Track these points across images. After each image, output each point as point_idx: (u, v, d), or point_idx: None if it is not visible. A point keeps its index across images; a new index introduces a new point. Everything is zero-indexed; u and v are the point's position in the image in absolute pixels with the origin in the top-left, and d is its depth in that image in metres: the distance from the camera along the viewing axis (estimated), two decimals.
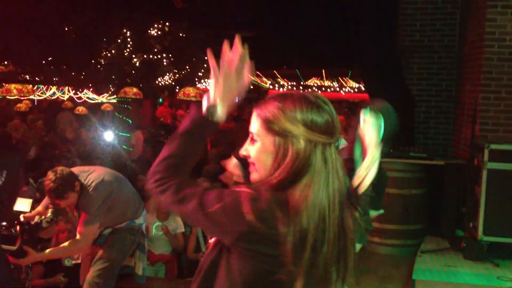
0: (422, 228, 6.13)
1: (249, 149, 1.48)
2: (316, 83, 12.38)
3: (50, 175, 3.63)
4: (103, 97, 14.59)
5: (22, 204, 3.83)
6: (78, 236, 3.72)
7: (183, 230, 6.14)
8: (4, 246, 3.56)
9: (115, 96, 13.12)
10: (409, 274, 4.86)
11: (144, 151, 11.25)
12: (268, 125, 1.42)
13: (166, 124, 15.47)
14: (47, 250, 3.85)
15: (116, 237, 4.04)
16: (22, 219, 3.76)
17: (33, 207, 4.02)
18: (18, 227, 3.63)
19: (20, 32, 11.32)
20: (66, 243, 3.76)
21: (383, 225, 6.08)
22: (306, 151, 1.39)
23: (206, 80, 14.71)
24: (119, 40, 12.14)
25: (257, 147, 1.45)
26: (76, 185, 3.67)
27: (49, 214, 3.89)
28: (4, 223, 3.61)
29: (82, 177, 3.77)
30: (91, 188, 3.73)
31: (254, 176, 1.48)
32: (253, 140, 1.47)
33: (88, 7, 11.40)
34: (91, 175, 3.81)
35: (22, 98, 13.75)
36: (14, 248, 3.54)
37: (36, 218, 3.83)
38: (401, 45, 7.28)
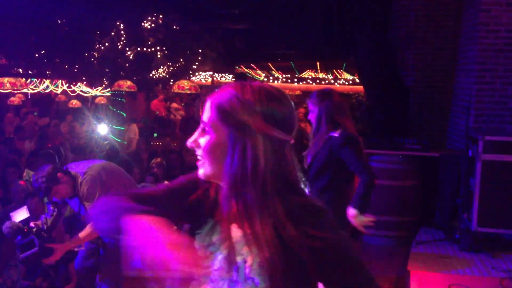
0: (416, 220, 6.13)
1: (199, 141, 1.33)
2: (311, 75, 12.35)
3: (34, 177, 3.81)
4: (97, 90, 14.51)
5: (20, 214, 3.81)
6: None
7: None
8: (26, 253, 3.56)
9: (109, 89, 13.07)
10: (404, 265, 4.86)
11: (138, 144, 11.21)
12: (224, 115, 1.27)
13: (160, 117, 15.42)
14: (72, 239, 3.90)
15: None
16: (32, 224, 3.75)
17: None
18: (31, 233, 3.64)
19: (13, 25, 11.24)
20: (87, 228, 3.81)
21: (378, 216, 6.07)
22: (266, 148, 1.25)
23: (200, 73, 14.67)
24: (112, 33, 12.06)
25: (209, 139, 1.31)
26: (60, 177, 3.78)
27: (46, 210, 3.96)
28: (19, 237, 3.62)
29: (71, 169, 3.91)
30: (81, 174, 3.86)
31: (205, 170, 1.33)
32: (204, 131, 1.32)
33: (81, 0, 11.32)
34: (81, 165, 3.98)
35: (15, 91, 13.67)
36: (35, 249, 3.55)
37: (43, 218, 3.88)
38: (396, 36, 7.26)
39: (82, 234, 3.82)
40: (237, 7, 11.34)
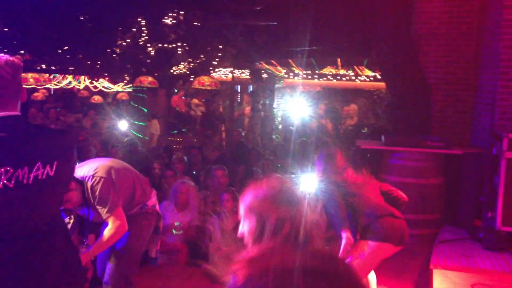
0: (439, 218, 6.09)
1: (243, 227, 1.99)
2: (331, 71, 12.29)
3: None
4: (118, 86, 14.64)
5: None
6: (111, 223, 3.61)
7: (197, 223, 6.18)
8: None
9: (130, 85, 13.17)
10: (426, 263, 4.84)
11: (159, 140, 11.29)
12: (249, 209, 1.96)
13: (180, 113, 15.50)
14: (92, 247, 3.68)
15: (132, 224, 3.88)
16: None
17: None
18: None
19: (36, 22, 11.38)
20: (105, 233, 3.60)
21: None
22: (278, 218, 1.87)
23: (220, 69, 14.70)
24: (134, 29, 12.15)
25: (245, 224, 1.97)
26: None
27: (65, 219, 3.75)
28: None
29: (76, 174, 3.60)
30: (90, 177, 3.61)
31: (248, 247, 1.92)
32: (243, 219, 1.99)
33: None
34: (84, 168, 3.68)
35: (39, 87, 13.87)
36: None
37: None
38: (418, 32, 7.20)
39: (101, 241, 3.62)
40: (258, 3, 11.34)
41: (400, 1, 7.07)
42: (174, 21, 12.26)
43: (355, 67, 11.70)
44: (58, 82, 14.94)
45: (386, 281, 4.98)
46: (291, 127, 12.57)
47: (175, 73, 13.26)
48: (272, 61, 14.00)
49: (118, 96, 16.07)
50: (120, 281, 3.87)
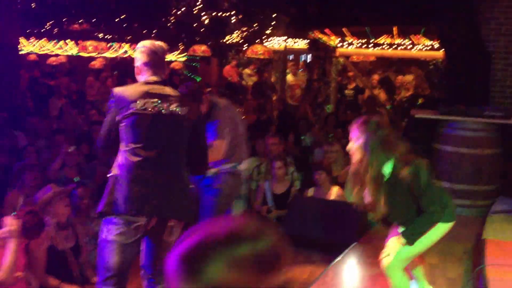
0: (494, 189, 5.97)
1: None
2: (387, 41, 12.02)
3: None
4: (173, 55, 14.83)
5: None
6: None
7: None
8: None
9: (184, 54, 13.31)
10: (479, 234, 4.77)
11: None
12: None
13: (232, 83, 15.55)
14: None
15: (222, 179, 4.15)
16: None
17: None
18: None
19: None
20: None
21: (453, 185, 5.96)
22: None
23: (274, 38, 14.63)
24: None
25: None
26: None
27: None
28: None
29: None
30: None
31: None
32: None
33: None
34: None
35: (97, 56, 14.20)
36: None
37: None
38: None
39: None
40: None
41: None
42: None
43: (412, 36, 11.39)
44: (114, 51, 15.23)
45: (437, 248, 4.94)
46: (342, 97, 12.46)
47: (227, 42, 13.31)
48: (326, 30, 13.81)
49: (172, 65, 16.26)
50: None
